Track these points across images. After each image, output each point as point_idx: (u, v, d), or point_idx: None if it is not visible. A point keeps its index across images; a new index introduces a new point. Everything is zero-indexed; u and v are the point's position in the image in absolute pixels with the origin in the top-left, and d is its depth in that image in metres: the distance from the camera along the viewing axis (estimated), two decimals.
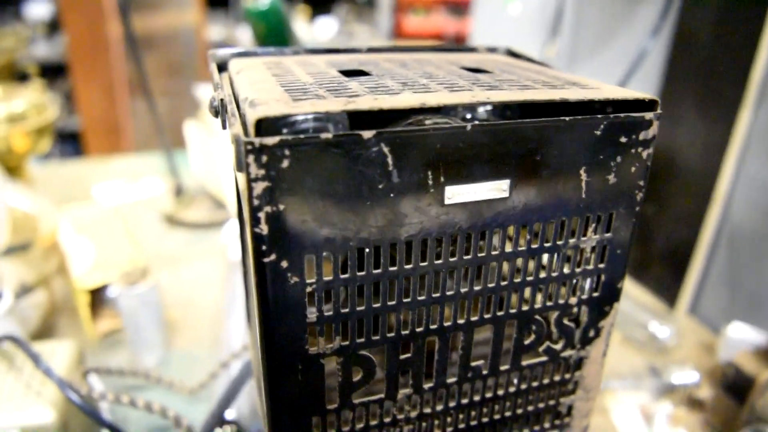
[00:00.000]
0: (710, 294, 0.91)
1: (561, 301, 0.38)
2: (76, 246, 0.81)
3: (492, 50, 0.51)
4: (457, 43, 2.22)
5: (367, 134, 0.28)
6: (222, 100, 0.34)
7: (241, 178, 0.28)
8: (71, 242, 0.82)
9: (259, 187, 0.27)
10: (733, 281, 0.87)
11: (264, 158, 0.27)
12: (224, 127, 0.36)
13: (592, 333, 0.41)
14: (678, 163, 0.90)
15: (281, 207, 0.28)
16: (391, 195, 0.30)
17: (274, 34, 0.97)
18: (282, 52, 0.46)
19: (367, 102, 0.29)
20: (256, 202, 0.27)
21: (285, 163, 0.27)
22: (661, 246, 0.96)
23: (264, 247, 0.28)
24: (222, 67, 0.44)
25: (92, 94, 2.17)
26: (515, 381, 0.40)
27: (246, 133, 0.28)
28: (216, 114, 0.35)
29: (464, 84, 0.34)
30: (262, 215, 0.28)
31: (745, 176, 0.81)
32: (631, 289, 0.97)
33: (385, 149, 0.28)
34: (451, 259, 0.33)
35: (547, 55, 1.08)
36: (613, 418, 0.71)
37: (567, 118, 0.32)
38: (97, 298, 0.81)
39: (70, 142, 2.39)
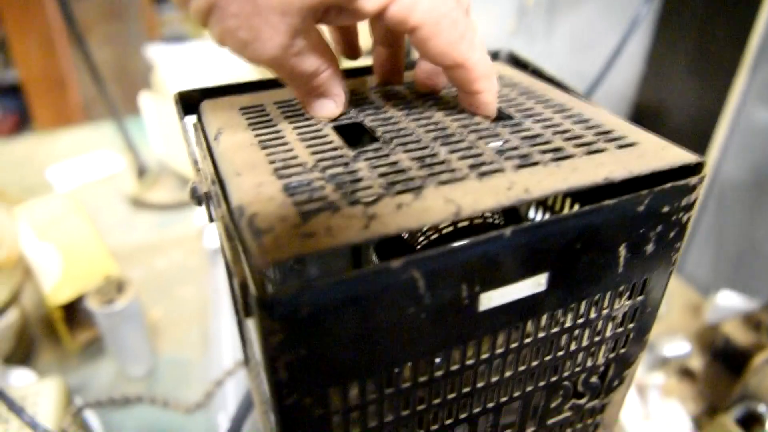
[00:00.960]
0: (697, 253, 0.91)
1: (589, 365, 0.36)
2: (41, 255, 0.75)
3: (494, 56, 0.46)
4: None
5: (396, 264, 0.24)
6: (207, 193, 0.29)
7: (252, 323, 0.24)
8: (35, 251, 0.76)
9: (275, 339, 0.23)
10: (720, 241, 0.87)
11: (279, 310, 0.22)
12: (211, 220, 0.31)
13: (616, 383, 0.39)
14: (667, 122, 0.87)
15: (302, 353, 0.24)
16: (422, 316, 0.26)
17: None
18: (261, 84, 0.40)
19: (391, 223, 0.24)
20: (272, 353, 0.23)
21: (304, 311, 0.23)
22: None
23: (285, 391, 0.25)
24: (190, 109, 0.38)
25: (28, 44, 1.99)
26: None
27: (250, 262, 0.23)
28: (199, 203, 0.30)
29: (490, 157, 0.30)
30: (280, 364, 0.24)
31: (737, 137, 0.79)
32: None
33: (416, 274, 0.25)
34: (483, 356, 0.30)
35: (525, 3, 1.01)
36: None
37: (611, 202, 0.28)
38: (72, 308, 0.76)
39: (9, 97, 2.22)
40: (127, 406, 0.64)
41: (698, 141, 0.82)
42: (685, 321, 0.83)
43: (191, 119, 0.38)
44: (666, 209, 0.31)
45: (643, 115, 0.89)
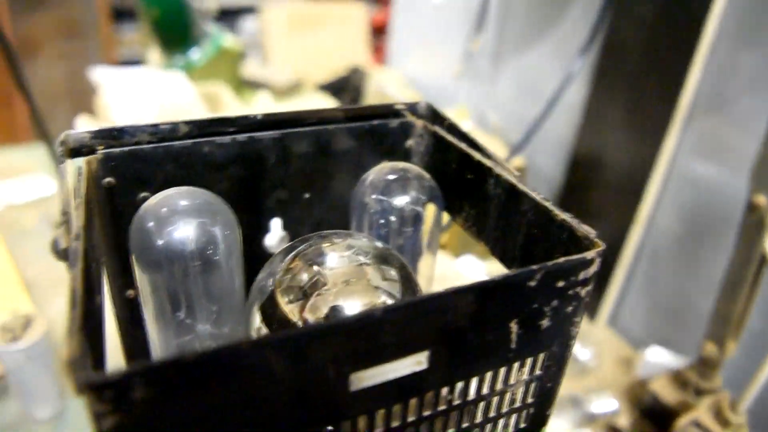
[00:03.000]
0: (630, 306, 0.91)
1: None
2: None
3: (412, 109, 0.45)
4: (376, 46, 2.06)
5: (246, 344, 0.22)
6: (65, 250, 0.27)
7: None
8: None
9: (106, 423, 0.21)
10: (653, 294, 0.88)
11: (109, 393, 0.20)
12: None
13: None
14: (604, 173, 0.88)
15: None
16: (283, 398, 0.24)
17: (170, 26, 0.84)
18: (157, 132, 0.38)
19: None
20: None
21: (138, 394, 0.20)
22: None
23: None
24: (78, 152, 0.36)
25: None
26: None
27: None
28: (60, 258, 0.28)
29: None
30: None
31: (671, 190, 0.80)
32: None
33: (271, 356, 0.22)
34: None
35: (471, 48, 1.02)
36: None
37: (499, 278, 0.27)
38: None
39: None
40: None
41: (633, 192, 0.83)
42: (615, 375, 0.83)
43: (79, 162, 0.35)
44: (561, 284, 0.29)
45: (581, 163, 0.90)
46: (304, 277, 0.32)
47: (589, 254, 0.29)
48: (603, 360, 0.85)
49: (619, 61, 0.79)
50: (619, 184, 0.84)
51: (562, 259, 0.29)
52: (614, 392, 0.77)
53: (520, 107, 1.00)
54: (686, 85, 0.72)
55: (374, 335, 0.25)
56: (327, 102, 1.23)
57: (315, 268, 0.32)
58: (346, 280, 0.31)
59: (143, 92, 1.08)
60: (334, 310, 0.31)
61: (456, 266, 0.80)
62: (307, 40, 1.73)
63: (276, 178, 0.42)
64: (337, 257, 0.32)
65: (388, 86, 1.11)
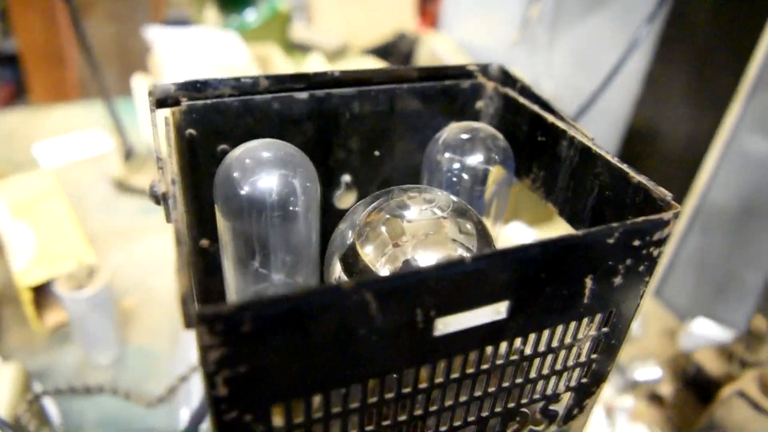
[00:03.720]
0: (678, 278, 0.91)
1: (549, 393, 0.35)
2: (15, 234, 0.74)
3: (484, 71, 0.45)
4: (426, 10, 2.02)
5: (347, 285, 0.23)
6: (164, 194, 0.28)
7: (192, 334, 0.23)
8: (9, 229, 0.74)
9: (215, 355, 0.22)
10: (701, 267, 0.87)
11: (220, 326, 0.22)
12: (168, 220, 0.30)
13: (575, 411, 0.38)
14: (660, 146, 0.87)
15: (242, 370, 0.23)
16: (373, 338, 0.25)
17: None
18: (239, 86, 0.39)
19: None
20: (211, 368, 0.23)
21: (247, 328, 0.22)
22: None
23: (223, 406, 0.24)
24: (164, 103, 0.37)
25: (30, 15, 1.96)
26: None
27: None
28: (157, 202, 0.29)
29: None
30: (219, 380, 0.23)
31: (729, 164, 0.79)
32: None
33: (368, 297, 0.24)
34: (437, 381, 0.29)
35: (529, 15, 1.01)
36: None
37: (580, 233, 0.27)
38: (42, 290, 0.75)
39: (7, 67, 2.19)
40: (89, 396, 0.63)
41: (689, 165, 0.81)
42: (659, 345, 0.83)
43: (164, 113, 0.37)
44: (637, 243, 0.30)
45: (637, 135, 0.89)
46: (384, 228, 0.33)
47: (666, 215, 0.30)
48: (648, 330, 0.85)
49: (685, 31, 0.77)
50: (675, 157, 0.83)
51: (640, 219, 0.29)
52: (658, 362, 0.78)
53: (577, 77, 0.98)
54: (753, 59, 0.70)
55: (461, 283, 0.26)
56: (379, 64, 1.23)
57: (395, 220, 0.33)
58: (424, 232, 0.33)
59: (197, 52, 1.10)
60: (412, 261, 0.32)
61: (505, 232, 0.80)
62: (353, 3, 1.72)
63: (348, 135, 0.43)
64: (416, 210, 0.33)
65: (440, 52, 1.11)
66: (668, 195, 0.31)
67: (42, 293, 0.74)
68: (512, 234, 0.80)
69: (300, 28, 1.60)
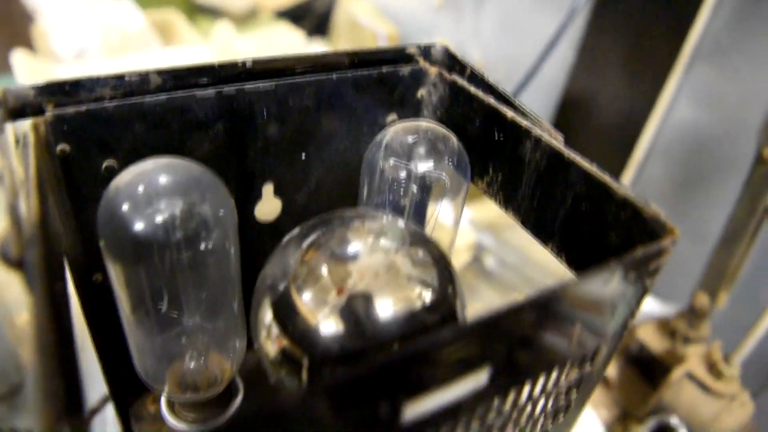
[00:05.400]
0: None
1: None
2: None
3: (425, 52, 0.39)
4: None
5: (294, 395, 0.16)
6: (20, 260, 0.20)
7: None
8: None
9: None
10: None
11: None
12: (30, 294, 0.22)
13: None
14: (596, 117, 0.84)
15: None
16: None
17: None
18: (122, 85, 0.30)
19: None
20: None
21: None
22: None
23: None
24: (21, 113, 0.28)
25: None
26: None
27: None
28: (11, 266, 0.21)
29: None
30: None
31: (664, 136, 0.77)
32: (538, 252, 0.92)
33: (321, 404, 0.17)
34: None
35: None
36: None
37: (580, 281, 0.22)
38: None
39: None
40: None
41: (625, 137, 0.79)
42: None
43: (23, 126, 0.28)
44: (632, 277, 0.25)
45: (571, 105, 0.85)
46: (324, 270, 0.26)
47: (665, 242, 0.25)
48: None
49: (617, 5, 0.73)
50: (612, 127, 0.80)
51: (639, 252, 0.24)
52: None
53: (505, 44, 0.93)
54: (693, 29, 0.67)
55: (435, 358, 0.20)
56: (292, 32, 1.13)
57: (337, 260, 0.26)
58: (374, 272, 0.26)
59: (86, 20, 0.96)
60: (362, 310, 0.25)
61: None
62: None
63: (268, 137, 0.35)
64: (360, 245, 0.27)
65: (359, 16, 1.02)
66: (661, 214, 0.26)
67: None
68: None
69: None
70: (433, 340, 0.19)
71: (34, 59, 0.92)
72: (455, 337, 0.19)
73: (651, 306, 0.77)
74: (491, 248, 0.83)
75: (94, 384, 0.59)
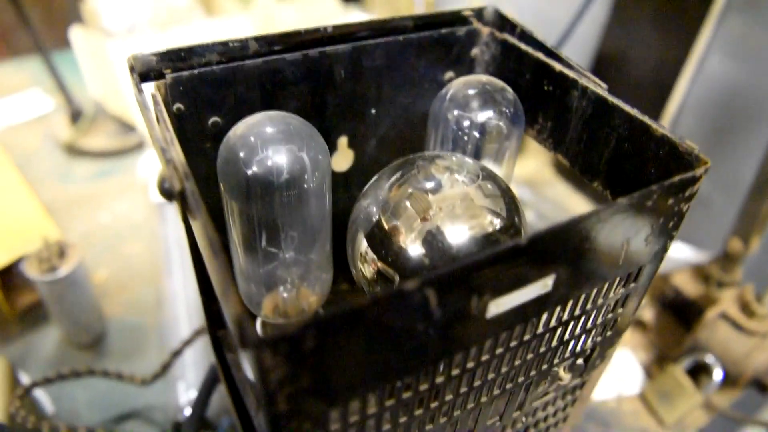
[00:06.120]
0: None
1: (578, 350, 0.35)
2: None
3: (478, 15, 0.43)
4: None
5: (411, 285, 0.21)
6: (182, 192, 0.25)
7: (246, 355, 0.21)
8: None
9: (276, 375, 0.21)
10: None
11: (283, 347, 0.20)
12: (185, 220, 0.27)
13: (598, 362, 0.39)
14: (629, 71, 0.86)
15: (304, 384, 0.22)
16: (430, 331, 0.24)
17: None
18: (227, 51, 0.35)
19: None
20: (273, 388, 0.21)
21: (309, 345, 0.20)
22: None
23: (284, 421, 0.23)
24: (146, 77, 0.34)
25: None
26: (522, 420, 0.38)
27: None
28: (168, 199, 0.27)
29: None
30: (281, 398, 0.22)
31: (696, 89, 0.79)
32: (575, 204, 0.96)
33: (430, 293, 0.22)
34: (484, 358, 0.29)
35: None
36: None
37: (624, 201, 0.26)
38: (8, 272, 0.70)
39: None
40: (77, 379, 0.60)
41: (658, 92, 0.81)
42: None
43: (149, 88, 0.33)
44: (671, 201, 0.29)
45: (606, 63, 0.88)
46: (410, 203, 0.31)
47: (698, 171, 0.29)
48: None
49: None
50: (645, 82, 0.82)
51: (676, 179, 0.28)
52: None
53: (540, 5, 0.95)
54: None
55: (515, 264, 0.25)
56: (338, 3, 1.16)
57: (420, 193, 0.31)
58: (452, 203, 0.31)
59: None
60: (442, 234, 0.30)
61: None
62: None
63: (344, 94, 0.40)
64: (440, 180, 0.32)
65: None
66: (695, 148, 0.30)
67: (7, 275, 0.69)
68: None
69: None
70: (512, 246, 0.24)
71: (91, 35, 0.97)
72: (530, 244, 0.24)
73: (686, 253, 0.80)
74: (530, 202, 0.87)
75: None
